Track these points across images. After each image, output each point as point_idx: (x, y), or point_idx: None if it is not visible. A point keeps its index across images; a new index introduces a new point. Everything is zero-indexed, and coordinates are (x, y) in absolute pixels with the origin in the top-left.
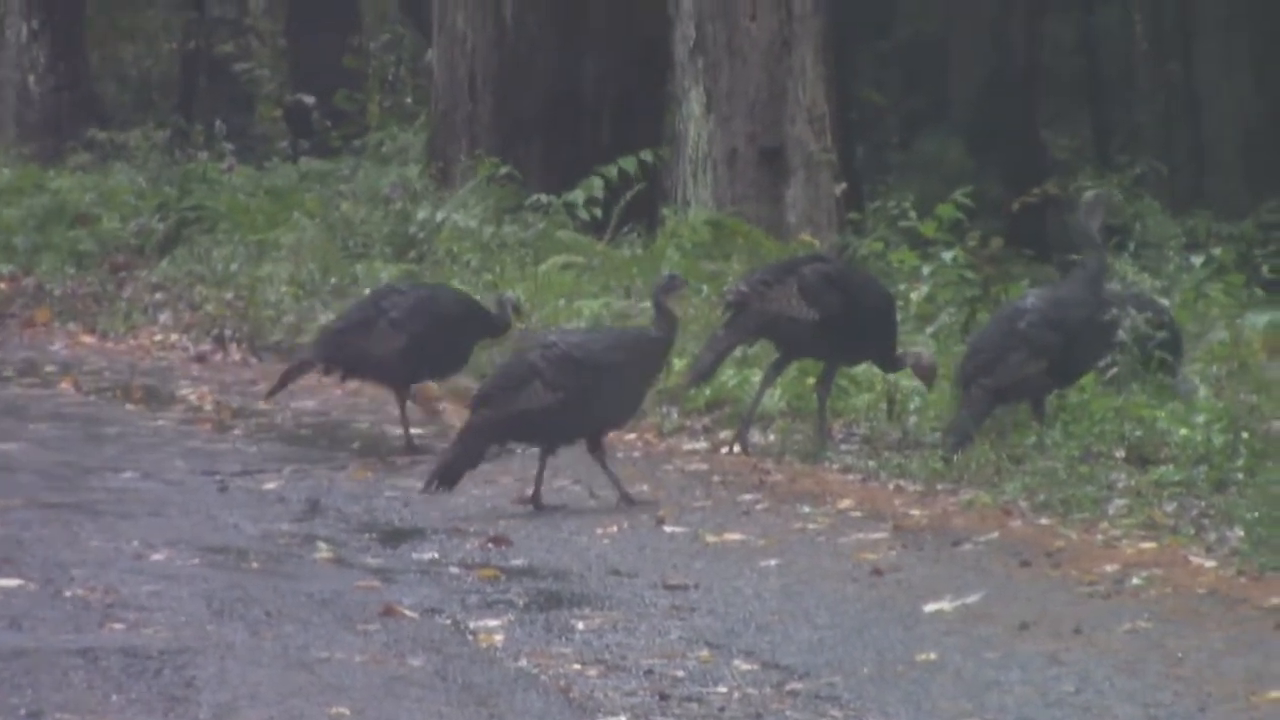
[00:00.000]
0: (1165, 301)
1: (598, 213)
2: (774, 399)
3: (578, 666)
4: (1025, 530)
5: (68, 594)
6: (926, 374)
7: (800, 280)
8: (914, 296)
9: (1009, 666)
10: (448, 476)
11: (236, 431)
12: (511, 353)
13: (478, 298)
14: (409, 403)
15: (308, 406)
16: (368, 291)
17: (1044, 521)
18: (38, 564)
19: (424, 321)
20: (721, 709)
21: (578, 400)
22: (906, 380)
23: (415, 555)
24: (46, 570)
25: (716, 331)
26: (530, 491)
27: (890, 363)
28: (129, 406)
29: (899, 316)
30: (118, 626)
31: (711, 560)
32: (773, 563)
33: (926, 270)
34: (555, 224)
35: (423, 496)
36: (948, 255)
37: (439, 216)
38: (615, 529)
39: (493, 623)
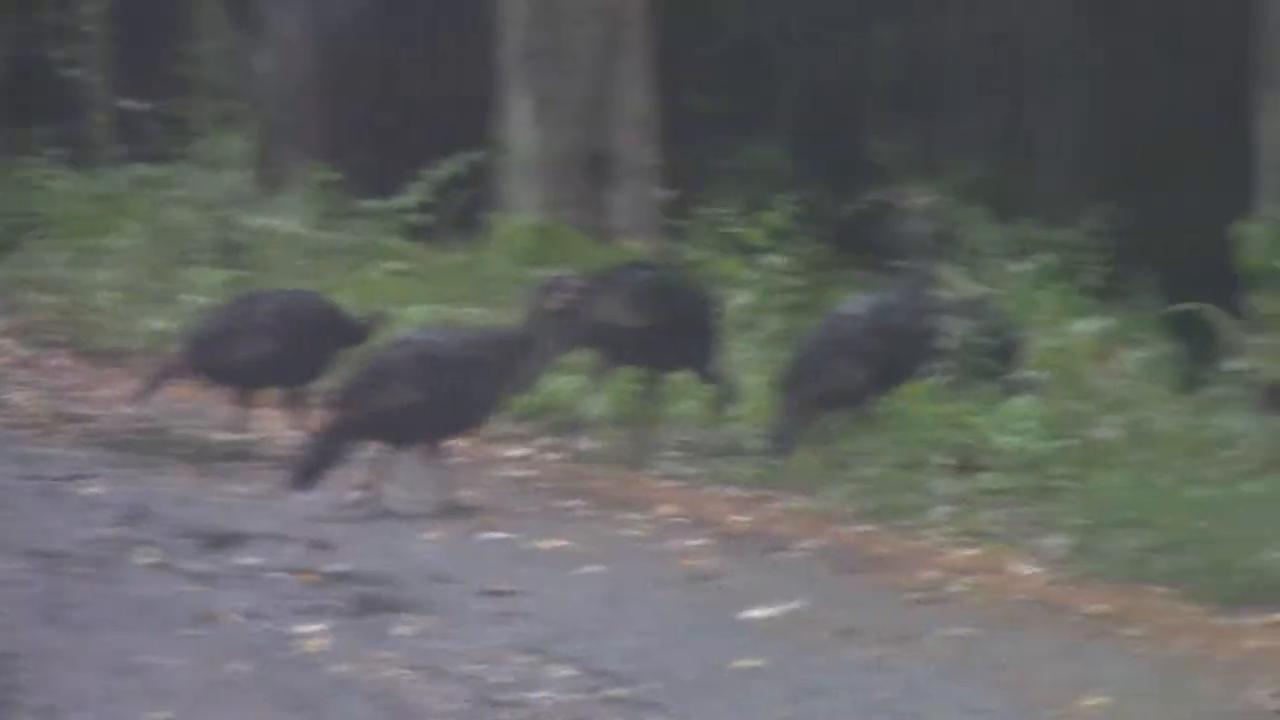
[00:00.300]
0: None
1: (426, 218)
2: (599, 405)
3: (399, 671)
4: (848, 537)
5: None
6: (740, 383)
7: (625, 287)
8: (738, 303)
9: (832, 672)
10: (307, 478)
11: (62, 436)
12: (369, 353)
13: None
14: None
15: (133, 411)
16: (223, 299)
17: (867, 528)
18: None
19: (287, 328)
20: (543, 715)
21: (435, 399)
22: (729, 387)
23: (238, 560)
24: None
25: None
26: (357, 495)
27: (713, 370)
28: None
29: (723, 324)
30: None
31: (534, 566)
32: (595, 569)
33: (751, 277)
34: (383, 229)
35: (246, 501)
36: (772, 261)
37: (266, 223)
38: (437, 534)
39: (314, 628)
